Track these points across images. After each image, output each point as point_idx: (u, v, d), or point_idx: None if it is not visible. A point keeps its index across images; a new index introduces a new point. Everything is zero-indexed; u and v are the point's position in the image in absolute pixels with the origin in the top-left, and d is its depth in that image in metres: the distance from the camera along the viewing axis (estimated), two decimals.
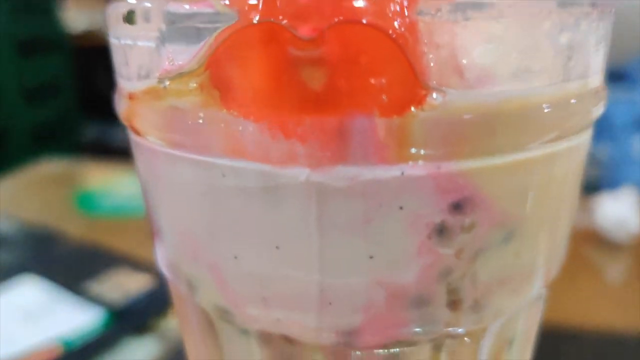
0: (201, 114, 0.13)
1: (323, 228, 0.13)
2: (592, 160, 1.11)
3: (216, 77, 0.13)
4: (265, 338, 0.16)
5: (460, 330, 0.15)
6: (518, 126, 0.13)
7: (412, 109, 0.12)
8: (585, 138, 0.15)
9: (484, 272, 0.14)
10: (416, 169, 0.13)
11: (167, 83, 0.13)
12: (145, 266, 0.68)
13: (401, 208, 0.13)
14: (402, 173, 0.13)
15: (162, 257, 0.17)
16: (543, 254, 0.16)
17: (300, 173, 0.13)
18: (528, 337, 0.19)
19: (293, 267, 0.14)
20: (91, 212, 0.84)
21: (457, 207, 0.13)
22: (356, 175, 0.13)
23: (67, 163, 1.06)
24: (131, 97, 0.15)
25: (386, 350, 0.15)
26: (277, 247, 0.14)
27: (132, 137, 0.16)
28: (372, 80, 0.12)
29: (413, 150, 0.12)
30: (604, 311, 0.57)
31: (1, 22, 1.73)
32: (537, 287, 0.16)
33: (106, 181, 0.87)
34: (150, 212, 0.17)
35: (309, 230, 0.13)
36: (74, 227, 0.80)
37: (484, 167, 0.13)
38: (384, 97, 0.12)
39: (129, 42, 0.14)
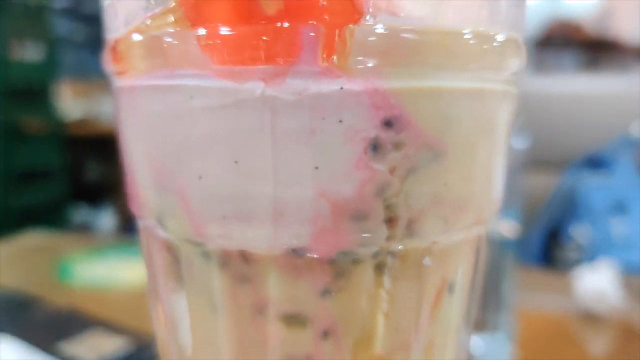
0: (175, 36, 0.16)
1: (275, 140, 0.16)
2: (573, 244, 1.13)
3: (189, 11, 0.16)
4: (225, 259, 0.17)
5: (399, 247, 0.17)
6: (442, 50, 0.15)
7: (350, 26, 0.15)
8: (505, 89, 0.18)
9: (416, 192, 0.16)
10: (354, 84, 0.15)
11: (149, 22, 0.16)
12: (122, 330, 0.67)
13: (340, 121, 0.15)
14: (342, 88, 0.15)
15: (134, 201, 0.19)
16: (472, 189, 0.18)
17: (256, 87, 0.15)
18: (467, 295, 0.20)
19: (250, 181, 0.16)
20: (71, 281, 0.84)
21: (388, 124, 0.16)
22: (303, 89, 0.15)
23: (50, 235, 1.07)
24: (117, 41, 0.17)
25: (333, 261, 0.16)
26: (236, 162, 0.16)
27: (115, 83, 0.18)
28: (318, 4, 0.15)
29: (351, 60, 0.15)
30: None
31: None
32: (468, 221, 0.18)
33: (87, 253, 0.88)
34: (126, 161, 0.19)
35: (264, 143, 0.16)
36: (54, 295, 0.79)
37: (411, 89, 0.16)
38: (326, 17, 0.15)
39: None
